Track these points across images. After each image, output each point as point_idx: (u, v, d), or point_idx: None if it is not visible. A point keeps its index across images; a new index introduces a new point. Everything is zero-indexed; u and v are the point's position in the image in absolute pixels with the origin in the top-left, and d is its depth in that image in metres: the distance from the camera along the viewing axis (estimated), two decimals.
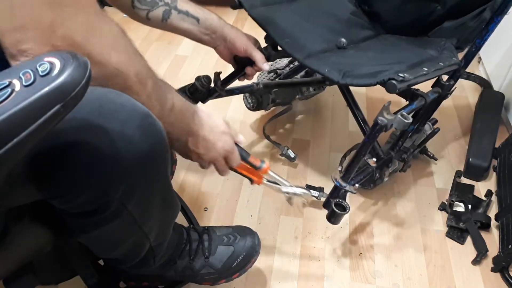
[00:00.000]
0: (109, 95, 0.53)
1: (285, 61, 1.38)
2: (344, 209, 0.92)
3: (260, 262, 1.01)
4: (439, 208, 1.17)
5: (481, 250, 1.05)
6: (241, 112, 1.45)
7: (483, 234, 1.09)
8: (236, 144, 0.78)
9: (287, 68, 1.35)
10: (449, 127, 1.44)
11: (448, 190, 1.21)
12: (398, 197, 1.21)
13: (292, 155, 1.27)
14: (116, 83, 0.55)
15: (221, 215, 1.14)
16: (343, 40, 1.04)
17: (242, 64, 1.06)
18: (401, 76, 0.84)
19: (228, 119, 1.42)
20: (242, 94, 1.34)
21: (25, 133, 0.38)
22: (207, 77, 1.13)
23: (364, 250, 1.07)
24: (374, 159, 1.06)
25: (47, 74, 0.39)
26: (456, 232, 1.11)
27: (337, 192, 0.96)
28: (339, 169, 1.13)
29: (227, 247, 0.89)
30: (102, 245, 0.71)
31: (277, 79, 1.34)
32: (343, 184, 0.95)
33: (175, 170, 1.20)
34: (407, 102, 0.97)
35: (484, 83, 1.61)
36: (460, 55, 1.03)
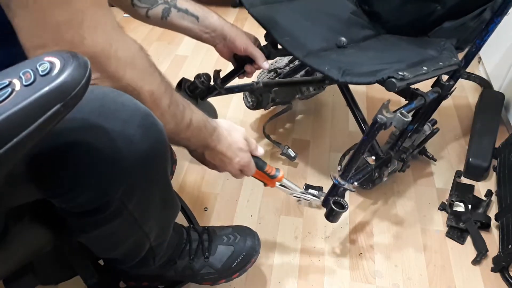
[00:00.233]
0: (110, 94, 0.53)
1: (285, 60, 1.38)
2: (343, 207, 0.92)
3: (260, 262, 1.01)
4: (439, 208, 1.17)
5: (481, 250, 1.05)
6: (241, 111, 1.45)
7: (483, 234, 1.09)
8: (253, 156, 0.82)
9: (287, 68, 1.35)
10: (449, 127, 1.44)
11: (448, 190, 1.21)
12: (398, 197, 1.21)
13: (292, 154, 1.27)
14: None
15: (221, 215, 1.14)
16: (343, 39, 1.04)
17: (242, 62, 1.06)
18: (401, 75, 0.84)
19: (228, 118, 1.44)
20: (242, 93, 1.35)
21: (25, 132, 0.38)
22: (207, 75, 1.13)
23: (364, 250, 1.07)
24: (373, 157, 1.06)
25: (47, 73, 0.38)
26: (456, 232, 1.10)
27: (336, 190, 0.96)
28: (338, 168, 1.13)
29: (227, 247, 0.89)
30: (102, 245, 0.71)
31: (277, 78, 1.34)
32: (342, 182, 0.95)
33: (175, 170, 1.20)
34: (407, 102, 0.97)
35: (484, 83, 1.61)
36: (460, 55, 1.03)
